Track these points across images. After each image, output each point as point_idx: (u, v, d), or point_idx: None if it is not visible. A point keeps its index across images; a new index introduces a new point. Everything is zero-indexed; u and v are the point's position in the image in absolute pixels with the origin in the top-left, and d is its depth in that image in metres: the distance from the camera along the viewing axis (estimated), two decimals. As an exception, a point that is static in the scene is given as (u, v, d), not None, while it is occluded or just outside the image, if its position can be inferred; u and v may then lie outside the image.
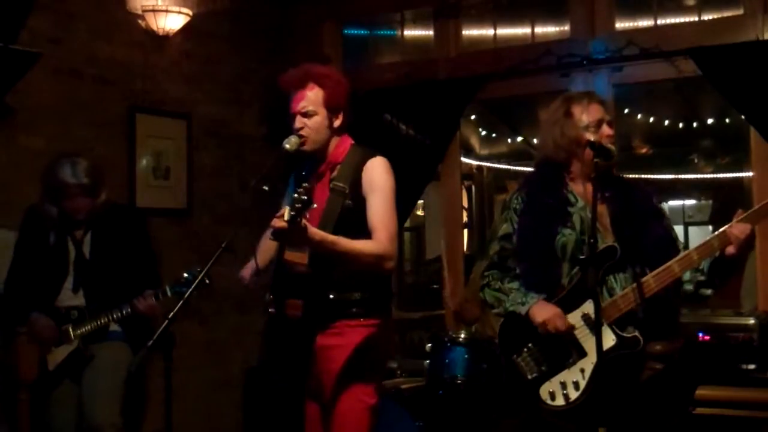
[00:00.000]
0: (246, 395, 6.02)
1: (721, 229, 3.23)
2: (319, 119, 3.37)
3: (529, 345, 3.47)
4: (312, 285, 3.29)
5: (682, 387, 3.46)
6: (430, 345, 5.00)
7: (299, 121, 3.36)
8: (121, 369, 4.25)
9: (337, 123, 3.42)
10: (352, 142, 3.49)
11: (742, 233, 3.16)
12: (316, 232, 3.10)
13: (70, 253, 4.31)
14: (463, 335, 4.92)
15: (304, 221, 2.99)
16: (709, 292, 3.35)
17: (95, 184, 4.27)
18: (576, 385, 3.35)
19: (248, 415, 6.00)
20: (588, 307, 3.33)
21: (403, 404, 4.86)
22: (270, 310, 3.38)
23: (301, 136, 3.36)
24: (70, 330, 4.23)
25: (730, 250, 3.19)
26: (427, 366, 5.00)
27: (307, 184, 2.98)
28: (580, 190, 3.51)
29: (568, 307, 3.40)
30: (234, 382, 5.99)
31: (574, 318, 3.38)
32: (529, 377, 3.45)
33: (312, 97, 3.36)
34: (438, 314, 6.57)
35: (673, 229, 3.48)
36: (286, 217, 2.96)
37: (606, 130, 3.45)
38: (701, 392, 3.60)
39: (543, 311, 3.41)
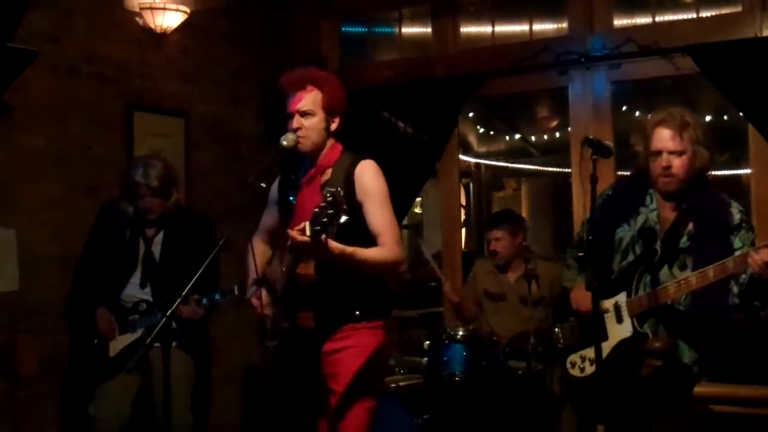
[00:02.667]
0: (244, 392, 6.02)
1: (742, 252, 3.28)
2: (316, 120, 3.39)
3: (571, 318, 3.75)
4: (319, 295, 3.33)
5: (682, 383, 3.47)
6: (428, 342, 5.01)
7: (297, 121, 3.38)
8: (188, 374, 4.52)
9: (333, 126, 3.44)
10: (342, 147, 3.50)
11: (762, 260, 3.16)
12: (335, 246, 3.11)
13: (140, 249, 4.48)
14: (461, 332, 4.93)
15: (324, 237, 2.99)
16: (757, 304, 3.38)
17: (165, 187, 4.47)
18: (592, 361, 3.57)
19: (247, 412, 6.00)
20: (621, 297, 3.56)
21: (401, 402, 4.86)
22: (284, 324, 3.40)
23: (298, 136, 3.37)
24: (138, 321, 4.40)
25: (758, 273, 3.19)
26: (426, 363, 5.00)
27: (331, 197, 2.91)
28: (660, 197, 3.62)
29: (607, 293, 3.57)
30: (233, 379, 5.99)
31: (608, 304, 3.58)
32: (560, 345, 3.77)
33: (310, 99, 3.39)
34: (436, 312, 6.57)
35: (738, 242, 3.43)
36: (307, 233, 2.94)
37: (662, 161, 3.50)
38: (700, 389, 3.61)
39: (578, 291, 3.68)
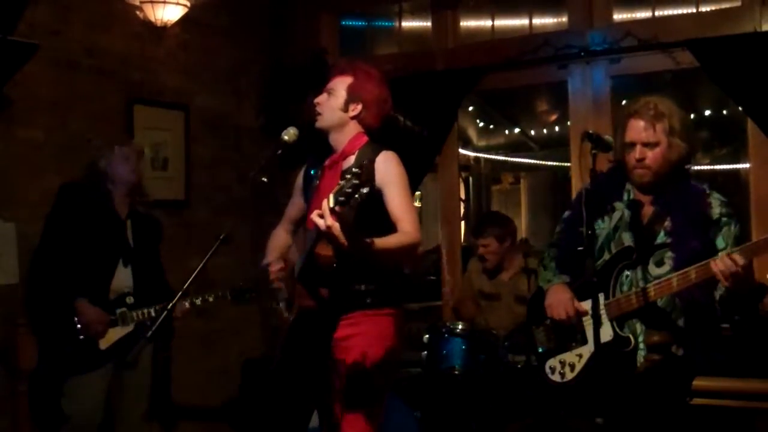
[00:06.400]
0: (243, 386, 6.03)
1: (704, 262, 3.19)
2: (335, 100, 3.50)
3: (547, 321, 3.64)
4: (334, 277, 3.31)
5: (680, 377, 3.47)
6: (427, 336, 5.01)
7: (320, 97, 3.53)
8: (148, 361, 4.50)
9: (353, 112, 3.50)
10: (369, 139, 3.54)
11: (727, 268, 3.09)
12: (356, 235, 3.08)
13: (118, 236, 4.37)
14: (460, 326, 4.94)
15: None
16: (737, 318, 3.43)
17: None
18: (572, 366, 3.52)
19: (245, 406, 6.01)
20: (599, 299, 3.44)
21: (400, 394, 4.87)
22: (288, 313, 3.43)
23: (315, 113, 3.50)
24: (128, 314, 4.30)
25: (723, 283, 3.13)
26: (425, 357, 5.01)
27: (357, 168, 2.82)
28: (636, 191, 3.55)
29: (585, 294, 3.49)
30: (232, 373, 6.01)
31: (587, 306, 3.49)
32: (540, 350, 3.66)
33: (340, 81, 3.53)
34: (436, 305, 6.58)
35: (721, 242, 3.34)
36: (331, 204, 2.87)
37: (636, 152, 3.43)
38: (698, 383, 3.61)
39: (553, 295, 3.60)
